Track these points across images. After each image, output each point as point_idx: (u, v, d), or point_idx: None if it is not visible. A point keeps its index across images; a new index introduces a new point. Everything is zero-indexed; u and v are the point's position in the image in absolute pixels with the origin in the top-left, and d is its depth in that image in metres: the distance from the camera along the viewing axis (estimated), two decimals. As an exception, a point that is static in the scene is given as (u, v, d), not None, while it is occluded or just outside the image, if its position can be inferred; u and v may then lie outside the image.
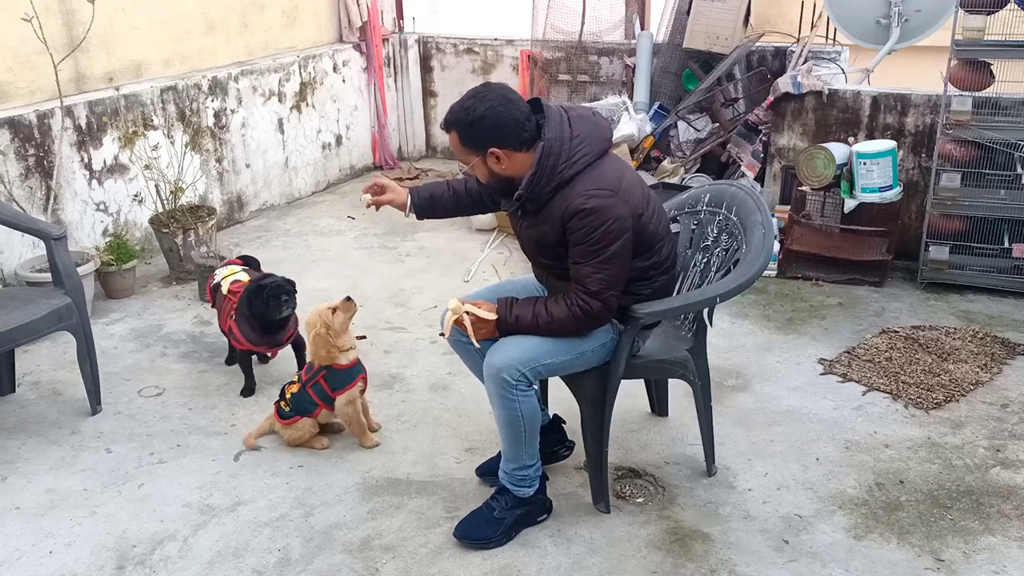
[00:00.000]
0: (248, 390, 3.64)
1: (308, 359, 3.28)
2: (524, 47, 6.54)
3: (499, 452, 2.81)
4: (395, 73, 7.17)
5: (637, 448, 3.23)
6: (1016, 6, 4.27)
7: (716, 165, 5.64)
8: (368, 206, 2.88)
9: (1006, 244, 4.45)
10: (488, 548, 2.71)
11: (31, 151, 4.43)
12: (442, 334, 2.76)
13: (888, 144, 4.57)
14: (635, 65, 5.91)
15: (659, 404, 3.42)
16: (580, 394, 2.78)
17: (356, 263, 5.11)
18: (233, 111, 5.65)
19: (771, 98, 5.10)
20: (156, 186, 4.84)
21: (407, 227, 5.70)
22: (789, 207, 4.82)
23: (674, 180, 5.27)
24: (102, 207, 4.85)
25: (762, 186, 5.24)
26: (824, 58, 5.40)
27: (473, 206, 2.94)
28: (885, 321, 4.22)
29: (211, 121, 5.50)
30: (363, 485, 3.04)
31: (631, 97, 5.81)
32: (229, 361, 3.88)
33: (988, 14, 4.29)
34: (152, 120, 5.08)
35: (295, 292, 3.53)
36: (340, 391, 3.17)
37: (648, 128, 5.59)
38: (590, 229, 2.44)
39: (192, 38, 5.49)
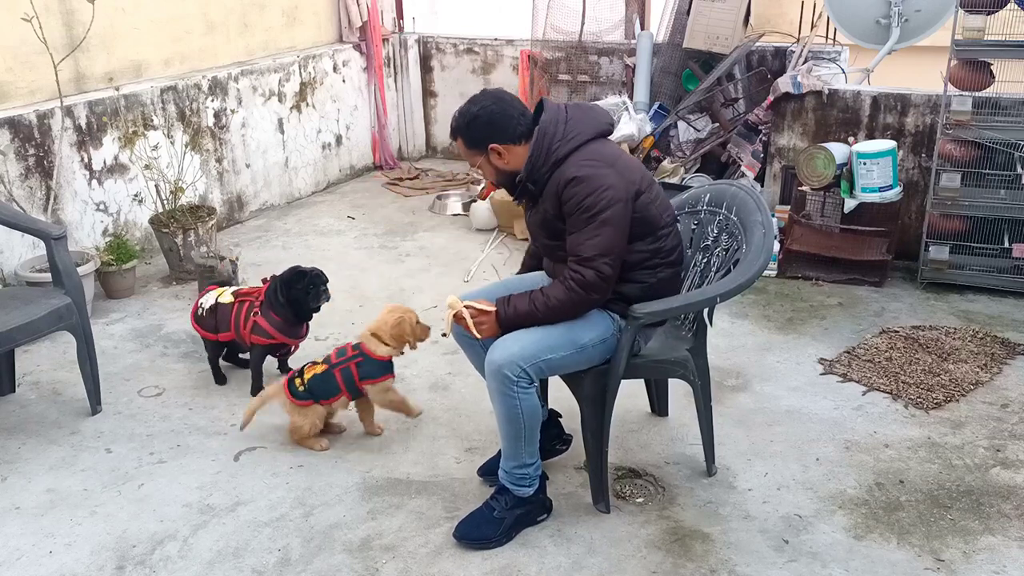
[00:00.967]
0: (258, 390, 3.63)
1: (351, 342, 3.25)
2: (524, 47, 6.54)
3: (499, 451, 2.81)
4: (395, 73, 7.17)
5: (637, 448, 3.23)
6: (1016, 6, 4.28)
7: (716, 165, 5.64)
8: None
9: (1006, 244, 4.45)
10: (488, 548, 2.71)
11: (31, 151, 4.43)
12: (444, 334, 2.77)
13: (888, 144, 4.57)
14: (635, 65, 5.91)
15: (659, 404, 3.42)
16: (580, 394, 2.78)
17: (356, 263, 5.11)
18: (233, 111, 5.65)
19: (771, 98, 5.10)
20: (156, 186, 4.84)
21: (407, 227, 5.70)
22: (789, 207, 4.82)
23: (674, 180, 5.27)
24: (102, 207, 4.85)
25: (762, 186, 5.24)
26: (824, 58, 5.40)
27: None
28: (885, 321, 4.22)
29: (211, 121, 5.50)
30: (363, 485, 3.04)
31: (631, 97, 5.81)
32: (218, 379, 3.78)
33: (988, 14, 4.29)
34: (152, 120, 5.08)
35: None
36: (368, 381, 3.17)
37: (648, 128, 5.59)
38: (582, 196, 2.52)
39: (192, 38, 5.49)
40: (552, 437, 3.09)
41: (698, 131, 5.82)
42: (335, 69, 6.51)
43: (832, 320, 4.25)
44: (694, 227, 3.03)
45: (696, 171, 5.53)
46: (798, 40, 5.65)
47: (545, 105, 2.65)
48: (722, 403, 3.46)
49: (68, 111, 4.59)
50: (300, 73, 6.18)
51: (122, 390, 3.70)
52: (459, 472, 3.11)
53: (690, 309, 2.91)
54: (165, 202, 4.86)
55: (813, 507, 2.89)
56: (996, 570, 2.61)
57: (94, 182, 4.79)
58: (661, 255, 2.68)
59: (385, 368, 3.19)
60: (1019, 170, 4.35)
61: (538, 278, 2.95)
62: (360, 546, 2.74)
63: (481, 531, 2.72)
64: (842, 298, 4.49)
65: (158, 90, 5.12)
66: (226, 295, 3.64)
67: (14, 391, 3.67)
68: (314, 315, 3.63)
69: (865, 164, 4.50)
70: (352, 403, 3.31)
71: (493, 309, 2.63)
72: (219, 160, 5.60)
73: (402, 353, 3.22)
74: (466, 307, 2.64)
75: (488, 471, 3.00)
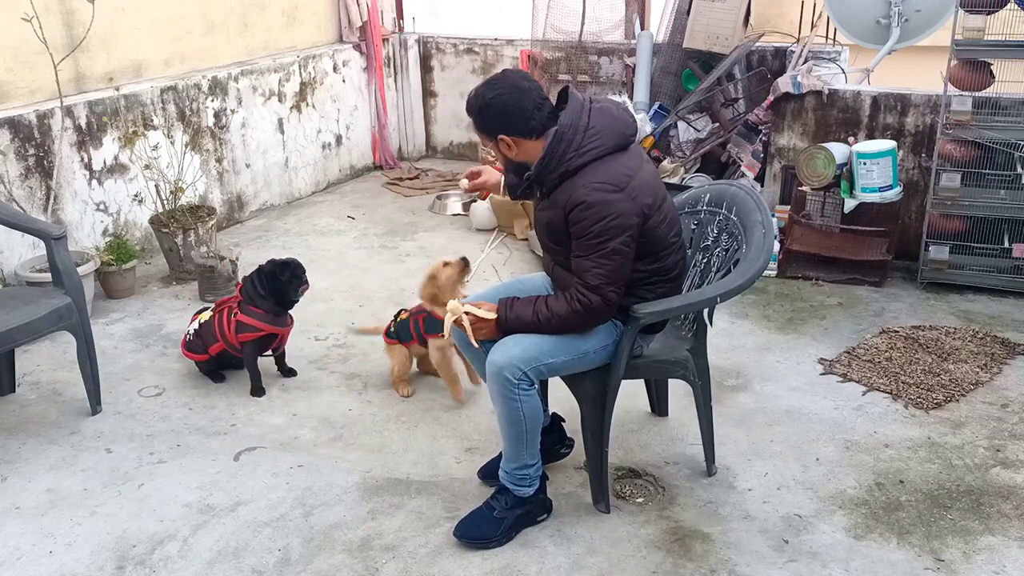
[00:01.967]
0: (258, 390, 3.64)
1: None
2: (524, 47, 6.54)
3: (500, 453, 2.81)
4: (395, 73, 7.17)
5: (637, 448, 3.23)
6: (1016, 6, 4.28)
7: (716, 165, 5.64)
8: (465, 191, 3.03)
9: (1006, 244, 4.45)
10: (488, 548, 2.70)
11: (31, 151, 4.43)
12: (443, 336, 2.77)
13: (888, 144, 4.57)
14: (635, 65, 5.91)
15: (659, 404, 3.42)
16: (580, 394, 2.78)
17: (356, 263, 5.11)
18: (233, 111, 5.65)
19: (771, 98, 5.10)
20: (156, 186, 4.84)
21: (407, 227, 5.70)
22: (789, 207, 4.82)
23: (674, 180, 5.27)
24: (102, 207, 4.85)
25: (762, 186, 5.24)
26: (824, 58, 5.40)
27: None
28: (885, 321, 4.22)
29: (211, 121, 5.50)
30: (363, 485, 3.04)
31: (631, 97, 5.81)
32: (216, 377, 3.79)
33: (988, 14, 4.29)
34: (152, 120, 5.09)
35: None
36: (432, 335, 3.46)
37: (648, 128, 5.59)
38: (591, 222, 2.45)
39: (192, 38, 5.49)
40: (554, 441, 3.08)
41: (698, 131, 5.82)
42: (335, 69, 6.51)
43: (832, 320, 4.25)
44: (694, 227, 3.03)
45: (696, 171, 5.53)
46: (798, 40, 5.65)
47: (569, 102, 2.53)
48: (722, 403, 3.46)
49: (68, 111, 4.59)
50: (300, 73, 6.18)
51: (122, 390, 3.70)
52: (459, 472, 3.11)
53: (690, 309, 2.91)
54: (165, 202, 4.86)
55: (813, 507, 2.89)
56: (996, 570, 2.61)
57: (94, 182, 4.79)
58: (661, 273, 2.66)
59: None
60: (1019, 170, 4.35)
61: (539, 279, 2.95)
62: (360, 546, 2.74)
63: (481, 531, 2.72)
64: (842, 298, 4.49)
65: (158, 90, 5.12)
66: (206, 314, 3.74)
67: (14, 391, 3.68)
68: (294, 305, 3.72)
69: (865, 164, 4.50)
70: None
71: (493, 317, 2.62)
72: (219, 160, 5.60)
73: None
74: (466, 313, 2.63)
75: (488, 473, 3.00)
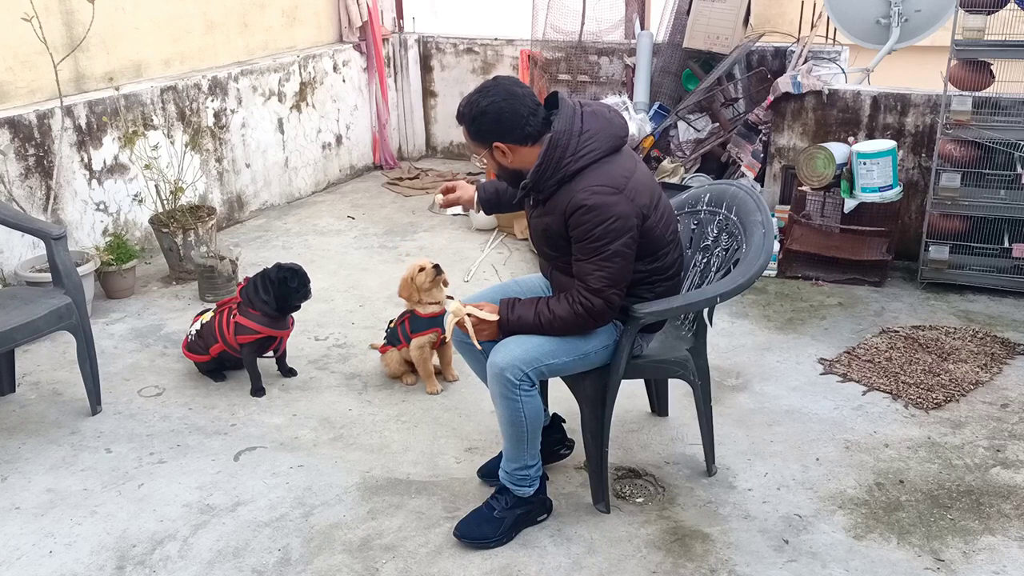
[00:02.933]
0: (258, 390, 3.64)
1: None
2: (524, 47, 6.54)
3: (500, 452, 2.81)
4: (395, 73, 7.17)
5: (637, 448, 3.23)
6: (1016, 6, 4.28)
7: (716, 165, 5.64)
8: (440, 207, 3.03)
9: (1006, 244, 4.45)
10: (488, 548, 2.71)
11: (31, 151, 4.43)
12: (444, 338, 2.77)
13: (888, 144, 4.57)
14: (635, 65, 5.91)
15: (659, 404, 3.42)
16: (580, 394, 2.78)
17: (356, 263, 5.11)
18: (233, 111, 5.65)
19: (771, 98, 5.10)
20: (156, 186, 4.84)
21: (407, 227, 5.70)
22: (789, 207, 4.82)
23: (674, 180, 5.27)
24: (102, 207, 4.85)
25: (762, 186, 5.24)
26: (824, 58, 5.40)
27: None
28: (885, 321, 4.22)
29: (211, 121, 5.50)
30: (363, 485, 3.04)
31: (631, 97, 5.81)
32: (217, 375, 3.80)
33: (988, 14, 4.29)
34: (152, 120, 5.09)
35: None
36: (416, 335, 3.59)
37: (648, 128, 5.59)
38: (591, 226, 2.45)
39: (192, 38, 5.49)
40: (555, 442, 3.08)
41: (698, 131, 5.82)
42: (335, 69, 6.51)
43: (832, 320, 4.25)
44: (694, 227, 3.03)
45: (696, 171, 5.53)
46: (798, 40, 5.65)
47: (560, 107, 2.52)
48: (722, 403, 3.46)
49: (68, 111, 4.59)
50: (300, 73, 6.18)
51: (122, 390, 3.70)
52: (459, 472, 3.11)
53: (690, 309, 2.91)
54: (165, 202, 4.86)
55: (813, 507, 2.89)
56: (996, 570, 2.61)
57: (94, 182, 4.79)
58: (660, 272, 2.66)
59: (428, 323, 3.59)
60: (1019, 170, 4.35)
61: (537, 280, 2.95)
62: (360, 546, 2.74)
63: (481, 530, 2.72)
64: (842, 298, 4.49)
65: (158, 90, 5.12)
66: (208, 315, 3.74)
67: (14, 391, 3.68)
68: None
69: (865, 164, 4.50)
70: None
71: (496, 319, 2.62)
72: (219, 160, 5.60)
73: (437, 303, 3.59)
74: (468, 315, 2.62)
75: (488, 473, 3.00)
